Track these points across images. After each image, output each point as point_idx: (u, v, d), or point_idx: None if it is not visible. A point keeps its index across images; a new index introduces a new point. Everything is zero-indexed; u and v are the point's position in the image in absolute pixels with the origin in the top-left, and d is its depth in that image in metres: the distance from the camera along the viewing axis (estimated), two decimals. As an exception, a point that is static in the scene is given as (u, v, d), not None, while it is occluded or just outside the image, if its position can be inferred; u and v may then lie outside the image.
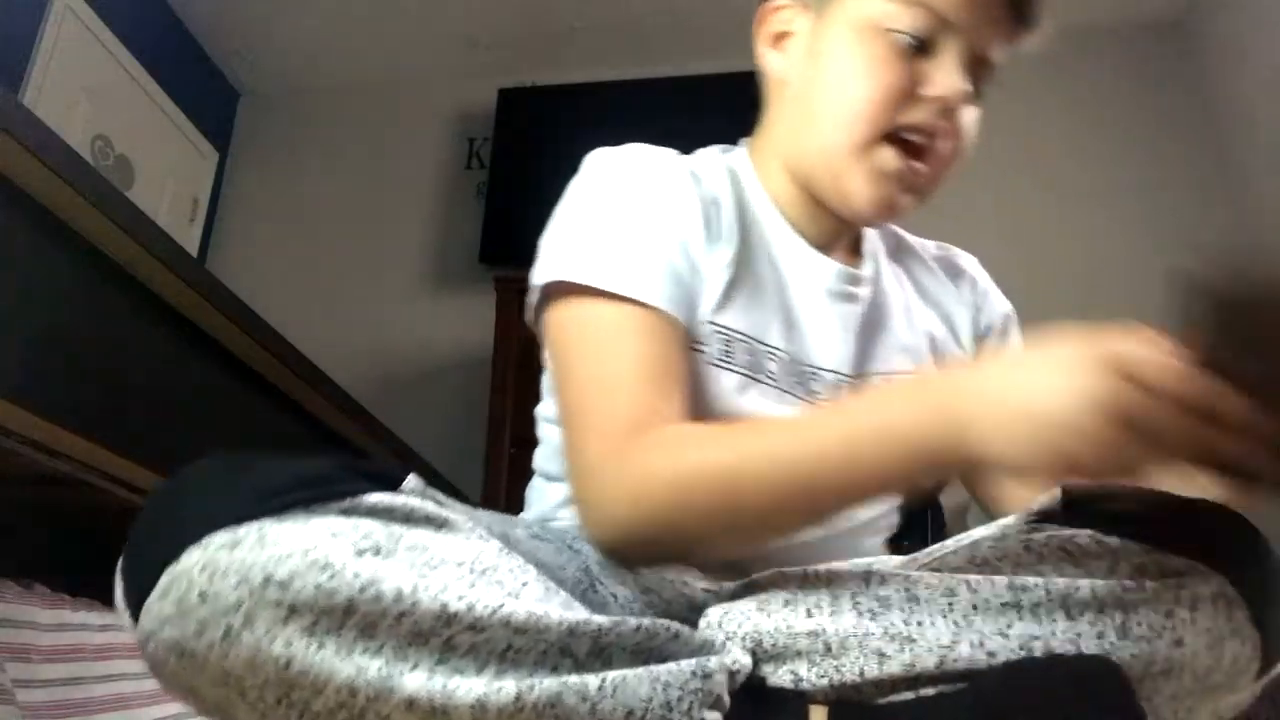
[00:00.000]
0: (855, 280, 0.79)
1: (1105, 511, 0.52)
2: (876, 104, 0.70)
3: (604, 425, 0.63)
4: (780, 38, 0.78)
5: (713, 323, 0.71)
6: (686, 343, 0.69)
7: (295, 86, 3.57)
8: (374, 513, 0.48)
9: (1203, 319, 0.44)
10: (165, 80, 3.13)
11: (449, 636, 0.45)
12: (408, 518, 0.49)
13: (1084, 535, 0.50)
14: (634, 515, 0.60)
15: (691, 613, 0.61)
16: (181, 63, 3.28)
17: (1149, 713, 0.48)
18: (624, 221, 0.71)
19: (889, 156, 0.71)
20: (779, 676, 0.53)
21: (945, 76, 0.69)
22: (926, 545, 0.57)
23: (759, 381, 0.72)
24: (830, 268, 0.78)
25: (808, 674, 0.52)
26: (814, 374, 0.75)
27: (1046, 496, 0.53)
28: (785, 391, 0.73)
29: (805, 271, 0.78)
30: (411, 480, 0.52)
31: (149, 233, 1.19)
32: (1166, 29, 3.12)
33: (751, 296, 0.74)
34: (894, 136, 0.71)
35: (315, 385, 1.56)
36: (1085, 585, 0.48)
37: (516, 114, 3.20)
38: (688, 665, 0.49)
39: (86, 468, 1.11)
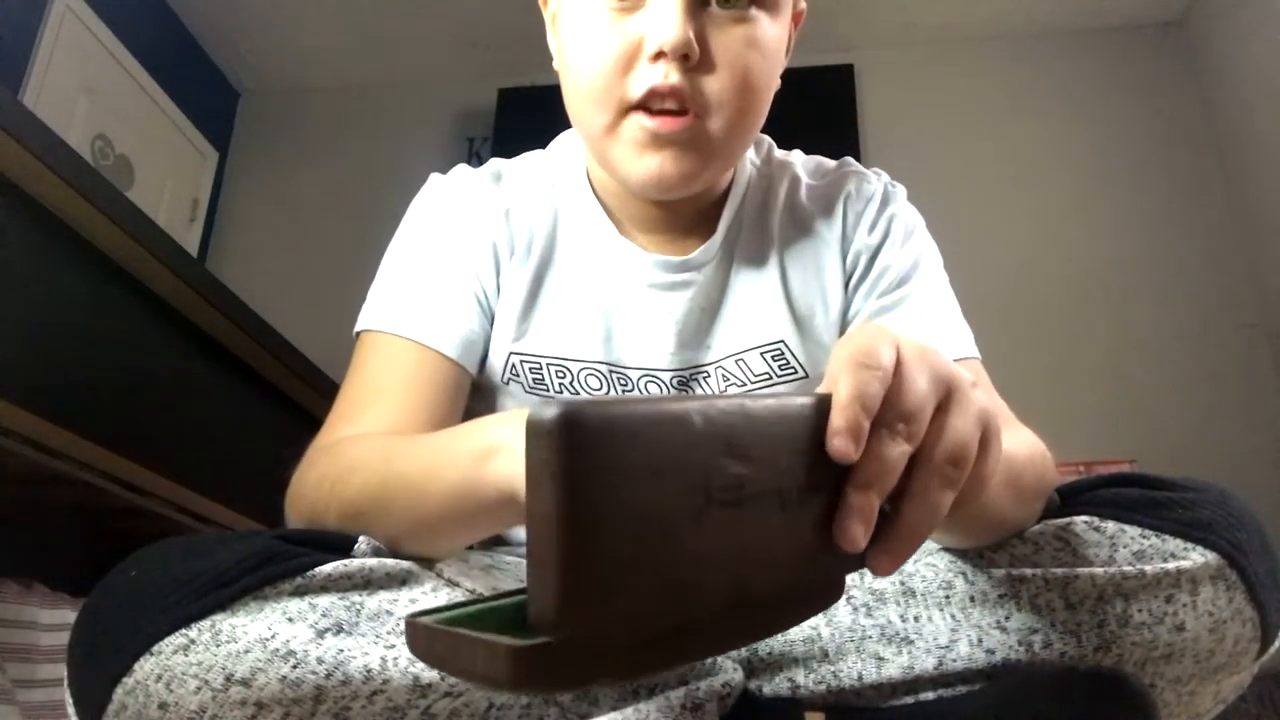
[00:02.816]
0: (684, 267, 0.71)
1: (1099, 497, 0.51)
2: (599, 83, 0.63)
3: (318, 438, 0.63)
4: (554, 19, 0.72)
5: (515, 353, 0.70)
6: (440, 363, 0.67)
7: (295, 86, 3.57)
8: (329, 585, 0.45)
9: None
10: (165, 80, 3.13)
11: (426, 707, 0.43)
12: (367, 582, 0.46)
13: (1079, 522, 0.50)
14: (290, 513, 0.59)
15: None
16: (181, 63, 3.28)
17: (1153, 698, 0.47)
18: (401, 266, 0.72)
19: (634, 127, 0.62)
20: (776, 685, 0.52)
21: (658, 25, 0.60)
22: None
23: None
24: (645, 260, 0.71)
25: (805, 680, 0.51)
26: (628, 377, 0.71)
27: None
28: None
29: (622, 268, 0.72)
30: (362, 543, 0.50)
31: (149, 233, 1.19)
32: (1166, 29, 3.13)
33: (561, 311, 0.71)
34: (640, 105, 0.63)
35: (315, 385, 1.56)
36: (1084, 574, 0.47)
37: (516, 114, 3.20)
38: (676, 698, 0.47)
39: (86, 468, 1.11)
